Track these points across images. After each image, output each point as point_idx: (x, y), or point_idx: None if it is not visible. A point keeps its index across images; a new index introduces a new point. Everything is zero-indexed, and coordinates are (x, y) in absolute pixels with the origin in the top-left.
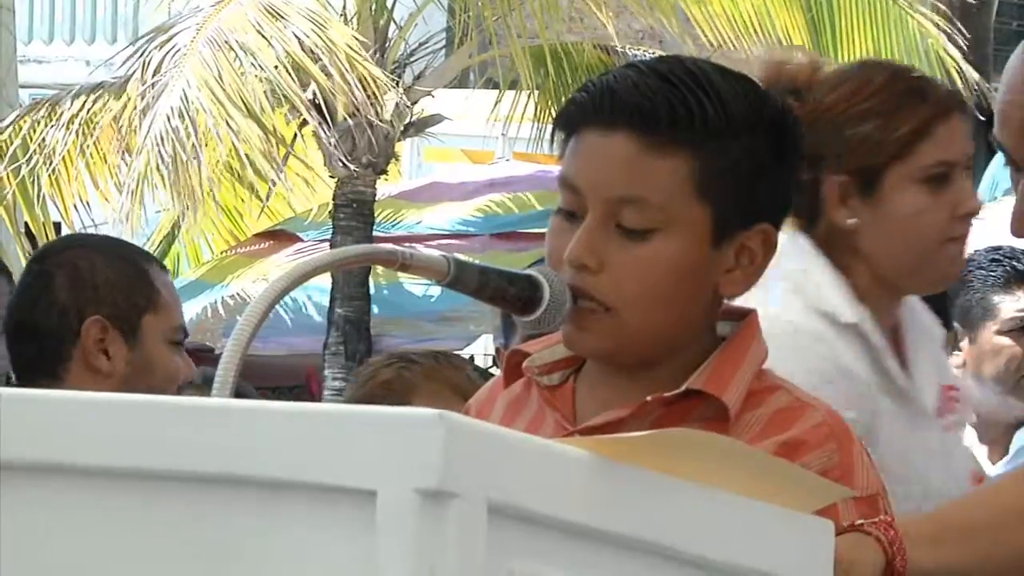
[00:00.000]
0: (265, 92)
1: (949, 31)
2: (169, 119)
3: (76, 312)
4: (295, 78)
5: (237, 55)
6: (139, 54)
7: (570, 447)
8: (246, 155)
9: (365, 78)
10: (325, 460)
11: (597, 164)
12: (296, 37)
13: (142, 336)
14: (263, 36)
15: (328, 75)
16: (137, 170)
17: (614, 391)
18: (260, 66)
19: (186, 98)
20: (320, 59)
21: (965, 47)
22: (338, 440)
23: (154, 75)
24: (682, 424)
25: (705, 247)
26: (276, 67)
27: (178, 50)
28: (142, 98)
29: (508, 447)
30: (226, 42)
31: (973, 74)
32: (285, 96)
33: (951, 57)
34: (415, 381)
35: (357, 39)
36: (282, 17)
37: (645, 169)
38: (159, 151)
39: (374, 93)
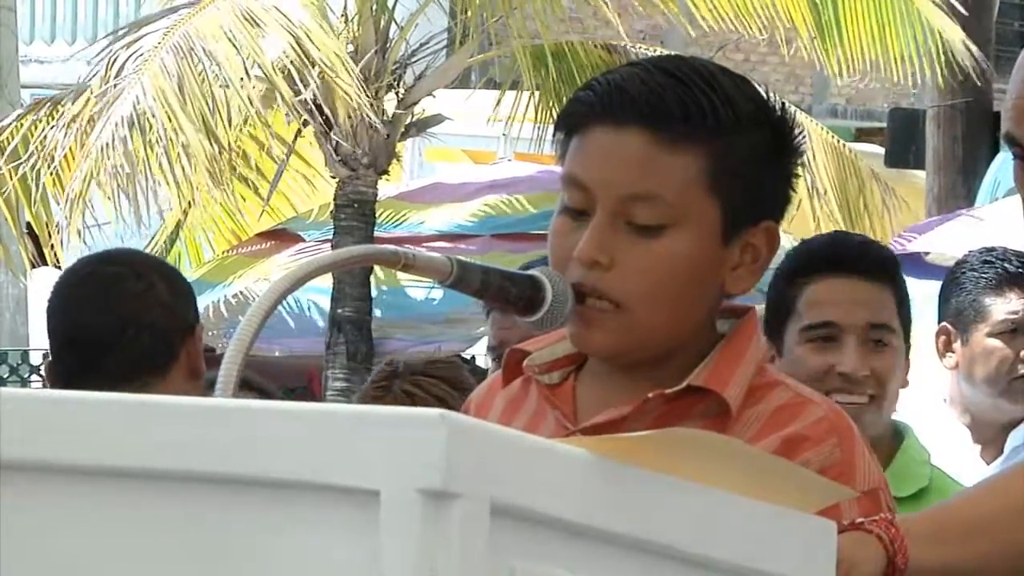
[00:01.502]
0: (262, 94)
1: (951, 16)
2: (118, 127)
3: (183, 316)
4: (293, 80)
5: (202, 64)
6: (108, 50)
7: (572, 447)
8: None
9: (343, 94)
10: (328, 460)
11: (608, 161)
12: (273, 48)
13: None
14: (234, 46)
15: (297, 91)
16: (82, 174)
17: (615, 389)
18: (226, 78)
19: (138, 107)
20: (302, 68)
21: (967, 42)
22: (341, 440)
23: (116, 76)
24: (683, 421)
25: (715, 244)
26: (241, 79)
27: (140, 55)
28: (101, 98)
29: (511, 447)
30: (191, 50)
31: (975, 51)
32: (282, 97)
33: (952, 40)
34: None
35: (338, 52)
36: (258, 25)
37: (657, 165)
38: (105, 160)
39: (347, 97)
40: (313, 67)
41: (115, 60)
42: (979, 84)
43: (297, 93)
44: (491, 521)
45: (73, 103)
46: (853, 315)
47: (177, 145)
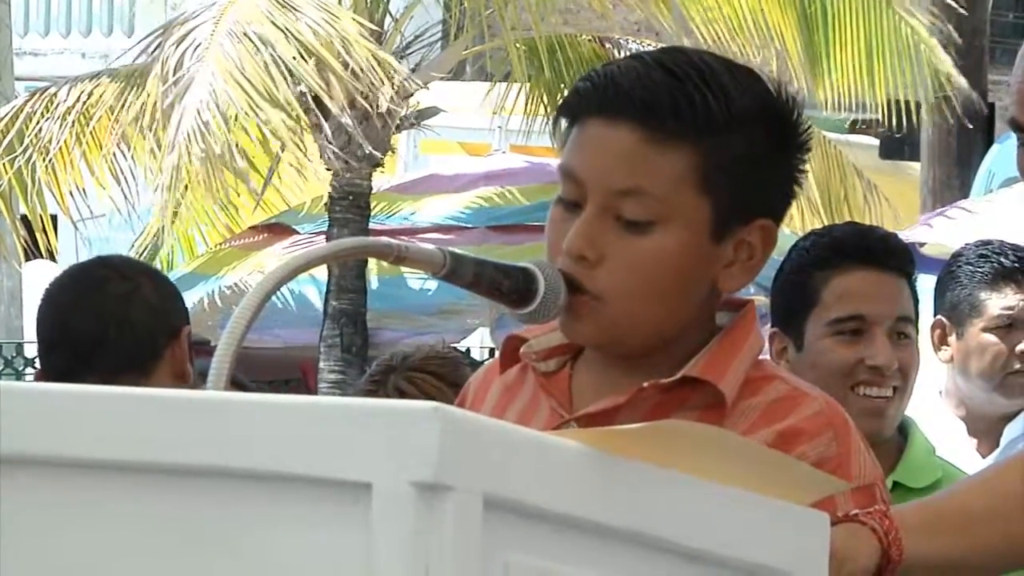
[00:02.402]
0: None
1: (942, 30)
2: (200, 113)
3: (167, 317)
4: (305, 69)
5: (257, 47)
6: (155, 48)
7: (566, 440)
8: (277, 143)
9: (377, 66)
10: (320, 453)
11: (599, 155)
12: (309, 28)
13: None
14: (278, 27)
15: (345, 65)
16: (171, 165)
17: (610, 379)
18: (280, 58)
19: (214, 91)
20: (335, 48)
21: (960, 43)
22: (333, 433)
23: (175, 71)
24: (678, 411)
25: (704, 241)
26: (294, 58)
27: (199, 44)
28: (165, 96)
29: (504, 440)
30: (245, 34)
31: (962, 80)
32: (299, 87)
33: (943, 58)
34: None
35: (365, 26)
36: (294, 9)
37: (647, 161)
38: (188, 146)
39: (382, 80)
40: (309, 58)
41: (167, 58)
42: (974, 75)
43: (297, 83)
44: (484, 514)
45: (68, 94)
46: (882, 308)
47: (260, 123)
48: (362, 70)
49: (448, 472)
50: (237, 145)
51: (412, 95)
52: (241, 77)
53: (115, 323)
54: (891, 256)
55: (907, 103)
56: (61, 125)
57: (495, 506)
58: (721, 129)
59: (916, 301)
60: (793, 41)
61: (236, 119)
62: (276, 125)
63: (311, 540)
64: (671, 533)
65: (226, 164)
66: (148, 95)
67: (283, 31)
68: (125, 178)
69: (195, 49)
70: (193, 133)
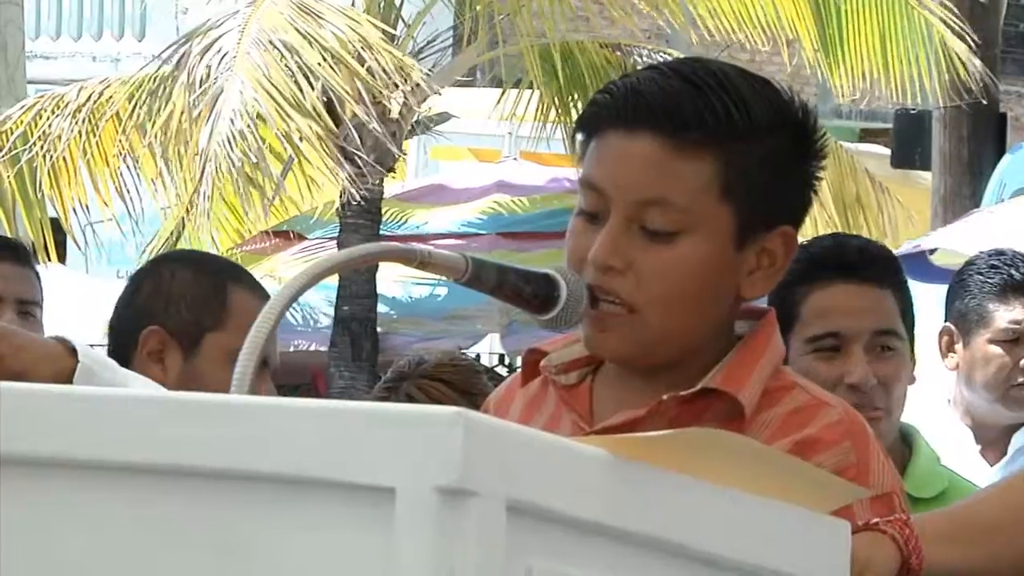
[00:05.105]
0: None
1: (956, 26)
2: (233, 121)
3: (145, 319)
4: (330, 75)
5: (283, 54)
6: (179, 58)
7: (589, 446)
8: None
9: (399, 70)
10: (344, 457)
11: (621, 166)
12: (333, 34)
13: (200, 352)
14: (302, 35)
15: (370, 70)
16: (209, 174)
17: (631, 391)
18: (305, 64)
19: (244, 100)
20: (359, 53)
21: (973, 44)
22: (357, 437)
23: (203, 82)
24: (698, 423)
25: (728, 249)
26: (320, 64)
27: (226, 53)
28: (195, 106)
29: (527, 446)
30: (270, 42)
31: (978, 64)
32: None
33: (957, 51)
34: None
35: (384, 31)
36: (316, 16)
37: (670, 171)
38: (227, 155)
39: (396, 84)
40: (322, 62)
41: (194, 67)
42: (985, 85)
43: (324, 92)
44: (507, 519)
45: (83, 98)
46: (858, 323)
47: (293, 131)
48: (385, 72)
49: (471, 477)
50: (271, 150)
51: (425, 99)
52: (269, 85)
53: (110, 328)
54: (869, 267)
55: (918, 102)
56: (71, 124)
57: (518, 511)
58: (742, 136)
59: (909, 306)
60: (807, 34)
61: (263, 125)
62: (305, 132)
63: (334, 545)
64: (692, 539)
65: (261, 170)
66: (175, 104)
67: (306, 37)
68: (130, 182)
69: (222, 58)
70: (227, 140)
